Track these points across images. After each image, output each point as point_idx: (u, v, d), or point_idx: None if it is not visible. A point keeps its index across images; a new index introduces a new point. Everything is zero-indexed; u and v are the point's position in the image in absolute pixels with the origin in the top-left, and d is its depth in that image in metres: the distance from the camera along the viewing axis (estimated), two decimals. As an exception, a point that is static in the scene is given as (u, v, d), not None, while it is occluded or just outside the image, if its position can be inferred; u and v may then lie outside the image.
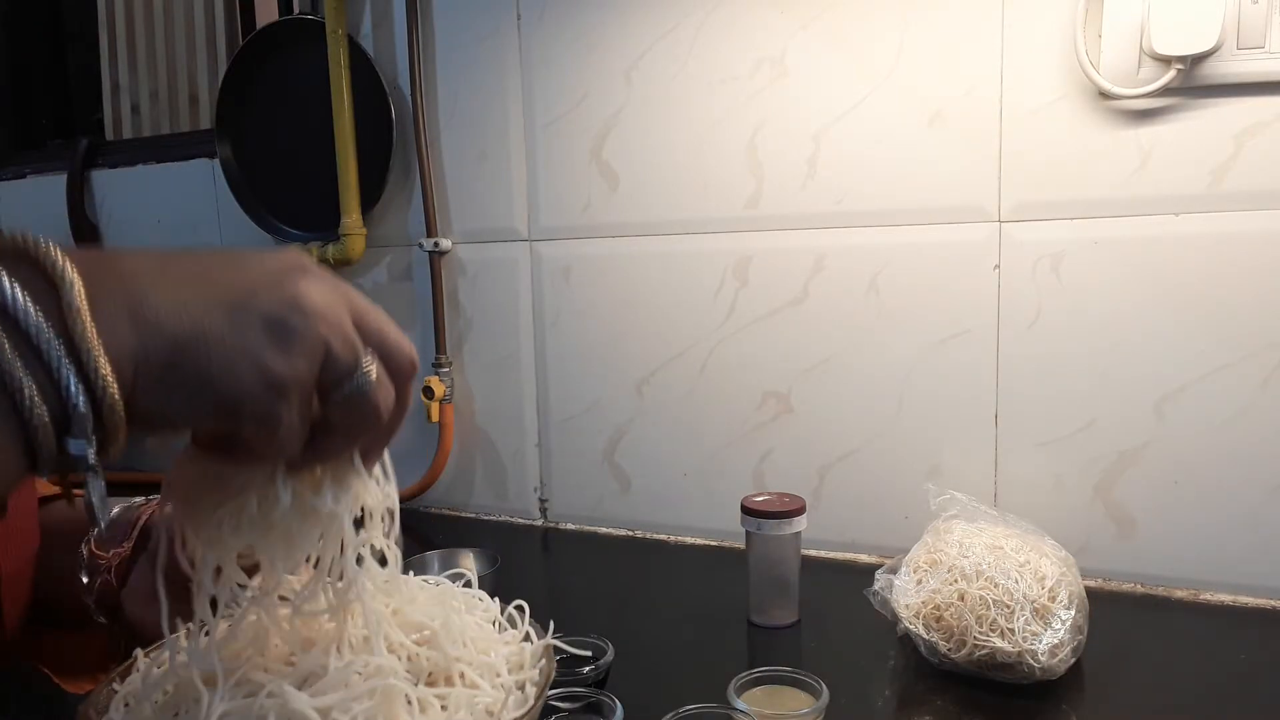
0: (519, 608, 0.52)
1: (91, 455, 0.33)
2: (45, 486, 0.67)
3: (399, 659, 0.43)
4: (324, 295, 0.39)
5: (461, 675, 0.44)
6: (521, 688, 0.46)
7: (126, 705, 0.44)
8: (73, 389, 0.32)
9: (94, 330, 0.33)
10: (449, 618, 0.46)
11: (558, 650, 0.51)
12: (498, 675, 0.46)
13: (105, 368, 0.33)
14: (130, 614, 0.59)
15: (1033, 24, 0.93)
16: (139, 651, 0.48)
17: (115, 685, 0.46)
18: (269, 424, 0.37)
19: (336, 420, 0.40)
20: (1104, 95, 0.90)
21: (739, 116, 1.06)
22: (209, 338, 0.35)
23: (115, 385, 0.33)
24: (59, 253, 0.34)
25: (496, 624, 0.50)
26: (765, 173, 1.06)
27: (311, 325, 0.37)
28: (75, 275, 0.33)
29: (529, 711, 0.44)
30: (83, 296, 0.33)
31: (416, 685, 0.42)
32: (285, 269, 0.39)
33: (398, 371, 0.42)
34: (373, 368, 0.40)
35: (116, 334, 0.34)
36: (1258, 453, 0.90)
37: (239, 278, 0.38)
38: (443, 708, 0.42)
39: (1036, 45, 0.93)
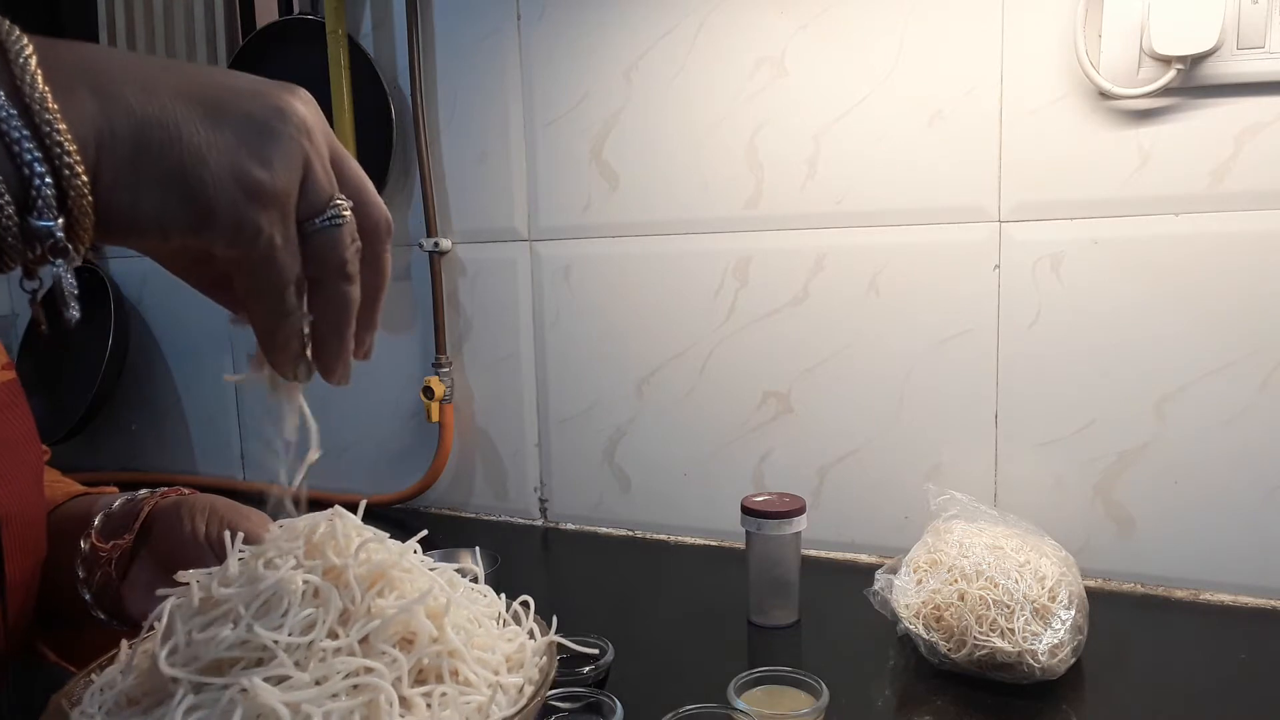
0: (524, 604, 0.50)
1: (59, 231, 0.30)
2: (51, 493, 0.67)
3: (390, 652, 0.41)
4: (308, 113, 0.36)
5: (455, 672, 0.43)
6: (520, 688, 0.44)
7: (101, 694, 0.43)
8: (31, 160, 0.29)
9: (51, 97, 0.29)
10: (453, 611, 0.44)
11: (561, 648, 0.50)
12: (496, 673, 0.44)
13: (65, 138, 0.29)
14: (130, 607, 0.58)
15: (1033, 24, 0.93)
16: (124, 642, 0.47)
17: (94, 675, 0.45)
18: (247, 235, 0.33)
19: (309, 264, 0.37)
20: (1104, 95, 0.90)
21: (739, 116, 1.06)
22: (182, 125, 0.32)
23: (78, 159, 0.30)
24: (8, 23, 0.31)
25: (500, 619, 0.49)
26: (765, 173, 1.06)
27: (295, 136, 0.34)
28: (28, 43, 0.30)
29: (520, 711, 0.42)
30: (36, 63, 0.30)
31: (404, 683, 0.41)
32: (273, 83, 0.36)
33: (371, 229, 0.39)
34: (346, 205, 0.37)
35: (76, 106, 0.30)
36: (1258, 453, 0.90)
37: (219, 77, 0.35)
38: (428, 706, 0.41)
39: (1036, 45, 0.93)
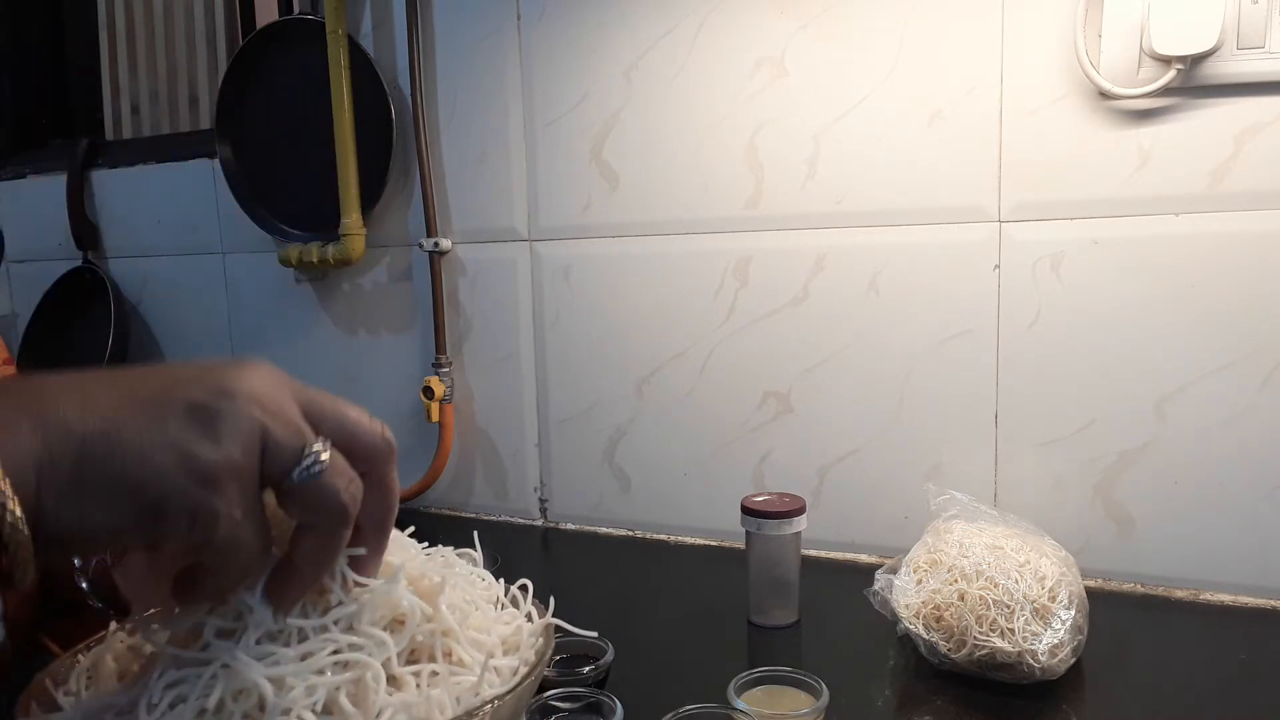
0: (522, 587, 0.50)
1: None
2: None
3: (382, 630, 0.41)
4: (259, 380, 0.35)
5: (449, 653, 0.43)
6: (515, 670, 0.44)
7: (88, 677, 0.43)
8: None
9: None
10: (448, 590, 0.44)
11: (562, 647, 0.50)
12: (491, 655, 0.44)
13: (2, 482, 0.29)
14: (125, 593, 0.58)
15: (1033, 24, 0.93)
16: (114, 625, 0.46)
17: (80, 657, 0.45)
18: (202, 520, 0.33)
19: (298, 515, 0.36)
20: (1104, 95, 0.90)
21: (739, 116, 1.06)
22: (122, 431, 0.32)
23: (15, 500, 0.29)
24: None
25: (498, 603, 0.49)
26: (765, 173, 1.06)
27: (242, 408, 0.34)
28: None
29: (511, 690, 0.42)
30: None
31: (394, 662, 0.40)
32: (218, 363, 0.36)
33: (368, 455, 0.38)
34: (324, 451, 0.36)
35: (17, 440, 0.30)
36: (1258, 453, 0.90)
37: (164, 376, 0.35)
38: (418, 685, 0.41)
39: (1036, 45, 0.93)
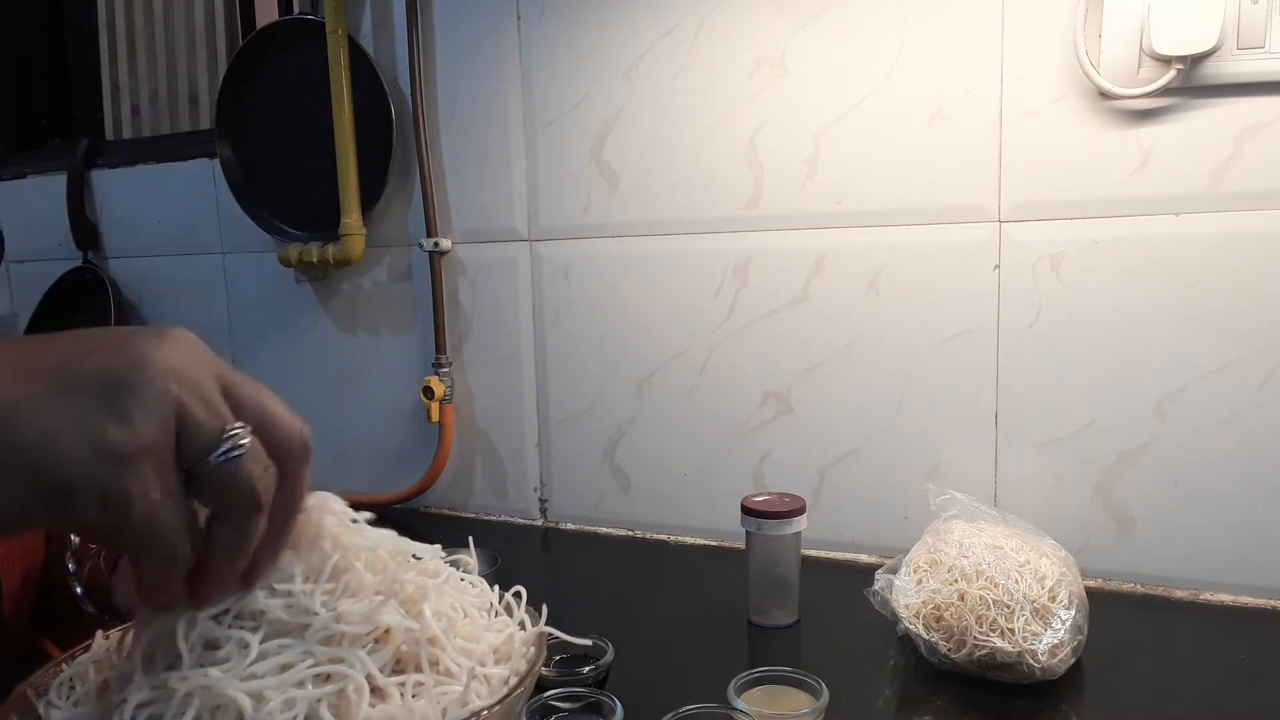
0: (516, 594, 0.49)
1: None
2: None
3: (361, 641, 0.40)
4: (177, 353, 0.33)
5: (436, 662, 0.41)
6: (505, 680, 0.43)
7: (71, 687, 0.42)
8: None
9: None
10: (434, 597, 0.43)
11: (562, 646, 0.49)
12: (481, 664, 0.43)
13: None
14: (119, 600, 0.58)
15: (1033, 24, 0.93)
16: (99, 632, 0.45)
17: (64, 666, 0.44)
18: (115, 504, 0.30)
19: (210, 502, 0.34)
20: (1104, 95, 0.90)
21: (739, 116, 1.06)
22: (22, 407, 0.29)
23: None
24: None
25: (491, 610, 0.48)
26: (765, 173, 1.06)
27: (157, 382, 0.31)
28: None
29: (500, 702, 0.41)
30: None
31: (377, 676, 0.39)
32: (132, 332, 0.33)
33: (285, 452, 0.36)
34: (244, 434, 0.34)
35: None
36: (1258, 453, 0.90)
37: (71, 344, 0.32)
38: (402, 696, 0.39)
39: (1036, 45, 0.93)
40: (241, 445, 0.34)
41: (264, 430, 0.35)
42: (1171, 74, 0.86)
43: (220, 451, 0.33)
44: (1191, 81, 0.86)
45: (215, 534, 0.35)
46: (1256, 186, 0.87)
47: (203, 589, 0.36)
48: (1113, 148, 0.91)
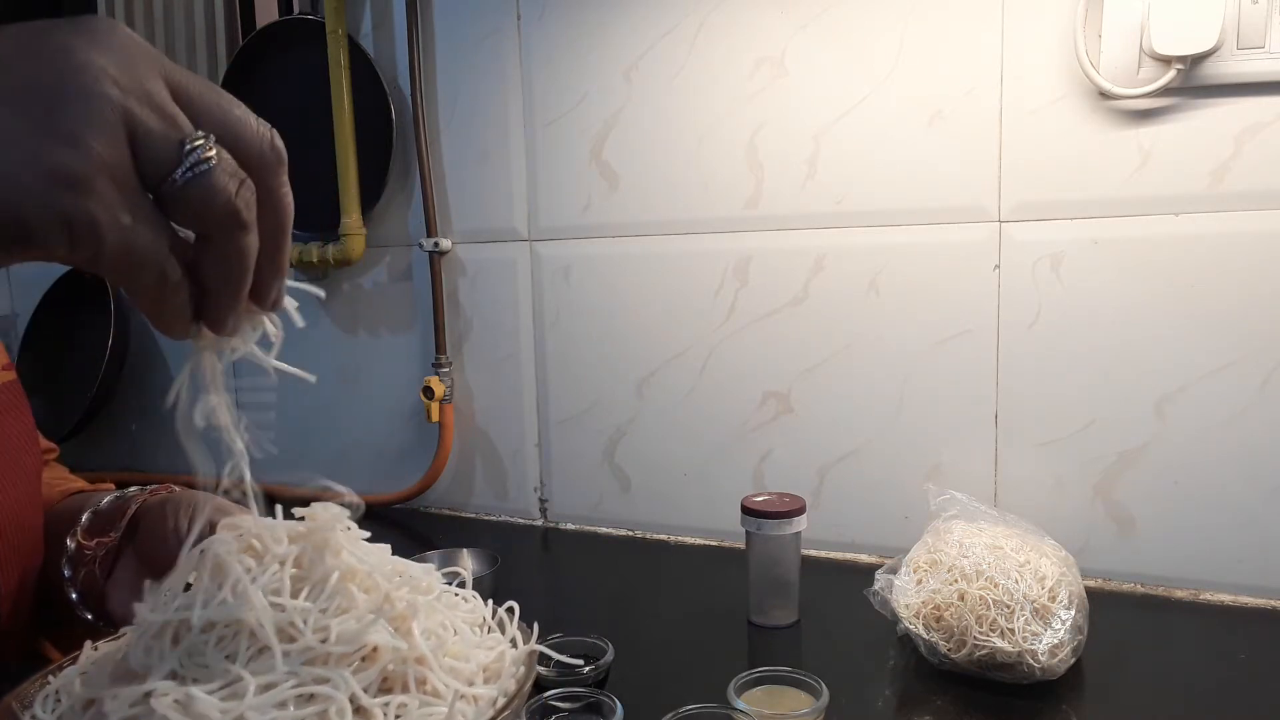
0: (509, 610, 0.48)
1: None
2: (49, 493, 0.67)
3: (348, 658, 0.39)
4: (113, 52, 0.28)
5: (423, 681, 0.40)
6: (494, 701, 0.42)
7: (57, 700, 0.42)
8: None
9: None
10: (424, 615, 0.42)
11: (553, 644, 0.49)
12: (470, 684, 0.42)
13: None
14: (114, 606, 0.58)
15: (1033, 24, 0.93)
16: (88, 643, 0.45)
17: (51, 677, 0.43)
18: (81, 233, 0.27)
19: (188, 223, 0.30)
20: (1104, 95, 0.90)
21: (739, 116, 1.06)
22: None
23: None
24: None
25: (484, 626, 0.47)
26: (765, 173, 1.06)
27: (100, 90, 0.27)
28: None
29: None
30: None
31: (360, 697, 0.38)
32: (52, 27, 0.28)
33: (256, 161, 0.32)
34: (209, 145, 0.30)
35: None
36: (1258, 453, 0.90)
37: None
38: (384, 717, 0.39)
39: (1036, 45, 0.93)
40: (208, 158, 0.30)
41: (230, 138, 0.31)
42: (1171, 74, 0.86)
43: (185, 167, 0.29)
44: (1191, 81, 0.86)
45: (205, 259, 0.32)
46: (1256, 186, 0.87)
47: (213, 316, 0.34)
48: (1113, 148, 0.91)
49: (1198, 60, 0.85)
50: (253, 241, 0.33)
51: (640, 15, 1.10)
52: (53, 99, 0.26)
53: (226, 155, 0.31)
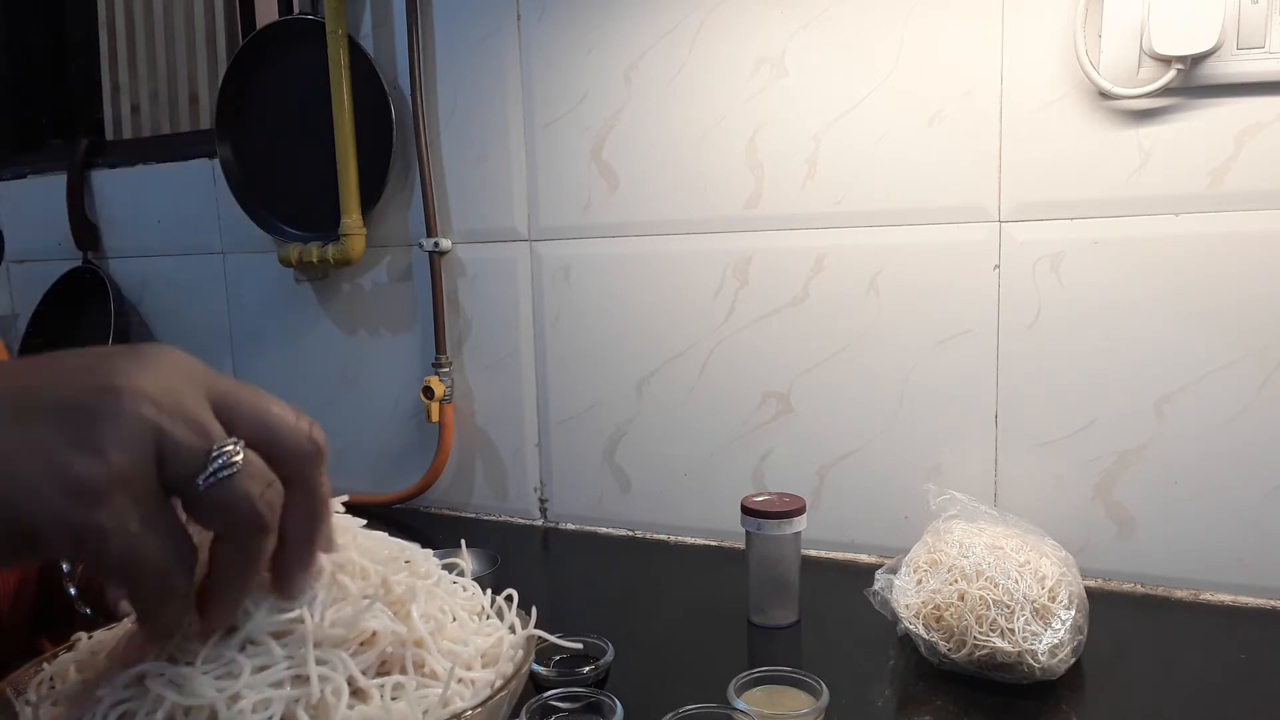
0: (508, 597, 0.49)
1: None
2: None
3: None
4: (153, 373, 0.30)
5: (421, 664, 0.41)
6: (492, 684, 0.42)
7: (52, 687, 0.42)
8: None
9: None
10: (423, 599, 0.42)
11: (562, 647, 0.49)
12: (469, 668, 0.42)
13: None
14: (113, 601, 0.58)
15: (1033, 24, 0.93)
16: (81, 634, 0.45)
17: (45, 665, 0.43)
18: (89, 541, 0.28)
19: (210, 525, 0.32)
20: (1104, 95, 0.90)
21: (739, 116, 1.06)
22: None
23: None
24: None
25: (482, 614, 0.47)
26: (765, 173, 1.06)
27: (128, 407, 0.29)
28: None
29: (483, 703, 0.40)
30: None
31: (358, 679, 0.38)
32: (107, 353, 0.31)
33: (292, 456, 0.34)
34: (236, 451, 0.32)
35: None
36: (1258, 453, 0.90)
37: (37, 370, 0.30)
38: (382, 698, 0.39)
39: (1036, 45, 0.93)
40: (233, 463, 0.31)
41: (266, 439, 0.33)
42: (1171, 74, 0.86)
43: (209, 473, 0.31)
44: (1191, 81, 0.86)
45: (219, 555, 0.34)
46: (1256, 186, 0.87)
47: (209, 611, 0.35)
48: (1113, 148, 0.91)
49: (1198, 60, 0.85)
50: (269, 541, 0.34)
51: (640, 15, 1.10)
52: (89, 417, 0.28)
53: (255, 459, 0.32)
